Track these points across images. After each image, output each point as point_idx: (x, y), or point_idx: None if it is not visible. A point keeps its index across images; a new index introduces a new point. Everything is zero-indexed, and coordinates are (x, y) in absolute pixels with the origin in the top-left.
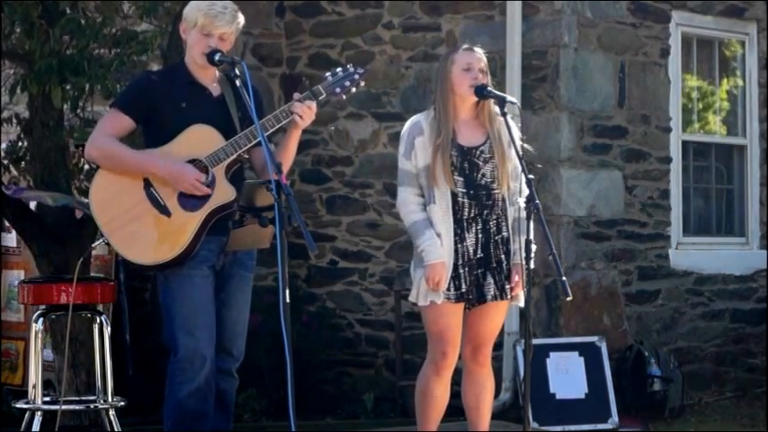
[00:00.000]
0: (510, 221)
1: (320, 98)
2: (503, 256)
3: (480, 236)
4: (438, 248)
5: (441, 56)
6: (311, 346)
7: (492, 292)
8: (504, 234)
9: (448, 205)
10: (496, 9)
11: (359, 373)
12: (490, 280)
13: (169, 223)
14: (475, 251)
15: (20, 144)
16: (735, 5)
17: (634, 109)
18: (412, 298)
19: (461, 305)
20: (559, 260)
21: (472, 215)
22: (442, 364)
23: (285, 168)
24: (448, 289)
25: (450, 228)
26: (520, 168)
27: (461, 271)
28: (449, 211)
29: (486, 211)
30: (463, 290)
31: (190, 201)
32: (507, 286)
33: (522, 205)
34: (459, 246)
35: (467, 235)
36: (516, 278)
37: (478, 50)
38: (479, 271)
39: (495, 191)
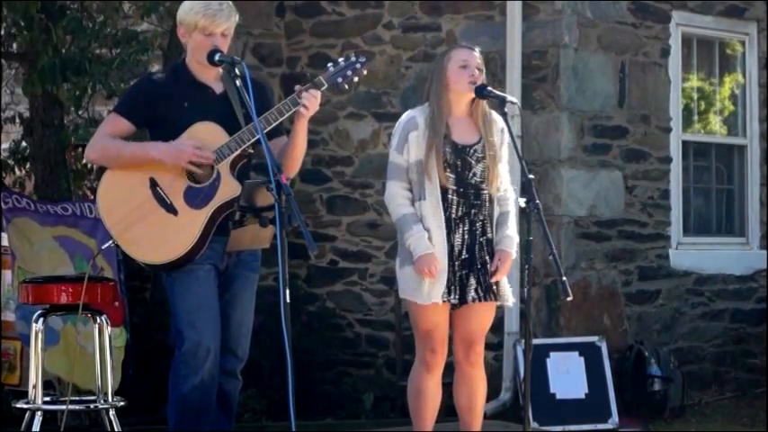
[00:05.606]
0: (494, 221)
1: (322, 88)
2: (487, 257)
3: (467, 237)
4: (426, 241)
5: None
6: (311, 346)
7: (473, 294)
8: (489, 236)
9: (438, 201)
10: (496, 9)
11: (359, 373)
12: (473, 281)
13: (176, 222)
14: (460, 252)
15: (23, 144)
16: (735, 5)
17: (634, 109)
18: (403, 294)
19: (447, 304)
20: (560, 260)
21: (460, 214)
22: (433, 361)
23: (299, 161)
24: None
25: (441, 223)
26: (507, 169)
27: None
28: (439, 208)
29: (474, 211)
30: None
31: (196, 198)
32: (493, 285)
33: (523, 205)
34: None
35: (454, 236)
36: (498, 264)
37: (475, 48)
38: (463, 272)
39: (484, 191)
